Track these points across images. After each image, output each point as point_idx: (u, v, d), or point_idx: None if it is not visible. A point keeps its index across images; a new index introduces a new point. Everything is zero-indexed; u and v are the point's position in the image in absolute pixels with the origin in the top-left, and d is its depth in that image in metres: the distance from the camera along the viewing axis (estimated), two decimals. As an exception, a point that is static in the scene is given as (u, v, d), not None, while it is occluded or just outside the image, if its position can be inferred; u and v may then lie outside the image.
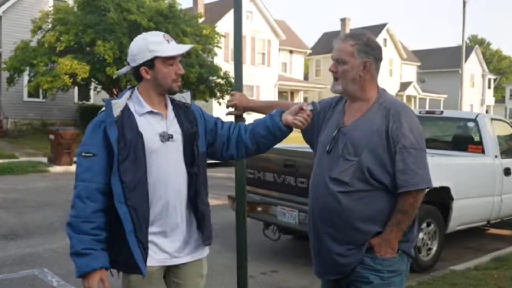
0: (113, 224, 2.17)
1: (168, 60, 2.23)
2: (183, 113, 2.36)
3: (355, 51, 2.32)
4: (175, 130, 2.29)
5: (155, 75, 2.24)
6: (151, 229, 2.23)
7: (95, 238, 2.13)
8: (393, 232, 2.26)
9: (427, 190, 2.30)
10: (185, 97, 2.40)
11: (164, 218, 2.26)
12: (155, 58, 2.21)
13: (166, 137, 2.25)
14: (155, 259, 2.26)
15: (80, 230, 2.11)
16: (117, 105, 2.20)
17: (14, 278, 4.97)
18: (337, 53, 2.37)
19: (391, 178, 2.25)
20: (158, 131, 2.24)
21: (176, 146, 2.28)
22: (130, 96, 2.28)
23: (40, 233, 6.76)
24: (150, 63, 2.22)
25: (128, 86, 13.43)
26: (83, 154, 2.18)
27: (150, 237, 2.23)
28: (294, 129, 2.40)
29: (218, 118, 2.52)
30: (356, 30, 2.50)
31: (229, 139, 2.46)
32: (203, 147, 2.40)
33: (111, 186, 2.14)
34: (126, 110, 2.21)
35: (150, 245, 2.23)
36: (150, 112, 2.25)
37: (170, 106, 2.35)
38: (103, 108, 2.23)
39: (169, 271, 2.38)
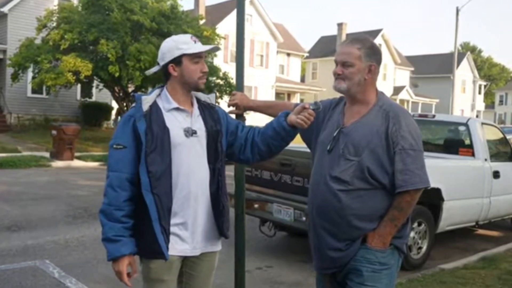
0: (139, 212, 2.30)
1: (194, 58, 2.38)
2: (208, 112, 2.49)
3: (362, 55, 2.38)
4: (199, 127, 2.42)
5: (181, 72, 2.38)
6: (173, 220, 2.33)
7: (125, 226, 2.27)
8: (387, 227, 2.33)
9: (423, 189, 2.35)
10: (210, 98, 2.55)
11: (186, 209, 2.36)
12: (183, 55, 2.36)
13: (190, 132, 2.37)
14: (176, 249, 2.35)
15: (112, 217, 2.26)
16: (146, 101, 2.34)
17: (16, 268, 5.01)
18: (343, 56, 2.40)
19: (390, 178, 2.31)
20: (183, 126, 2.37)
21: (200, 142, 2.40)
22: (159, 94, 2.42)
23: (42, 226, 6.83)
24: (178, 60, 2.37)
25: (130, 86, 13.42)
26: (114, 146, 2.32)
27: (173, 228, 2.33)
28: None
29: (240, 122, 2.65)
30: (359, 35, 2.57)
31: (246, 142, 2.56)
32: (224, 146, 2.53)
33: (139, 175, 2.27)
34: (154, 106, 2.35)
35: (172, 236, 2.33)
36: (177, 109, 2.39)
37: (195, 105, 2.47)
38: (134, 104, 2.38)
39: (184, 262, 2.46)
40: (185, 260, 2.46)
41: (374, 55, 2.42)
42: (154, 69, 2.52)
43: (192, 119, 2.42)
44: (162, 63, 2.42)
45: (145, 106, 2.33)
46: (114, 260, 2.28)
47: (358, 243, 2.36)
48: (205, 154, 2.43)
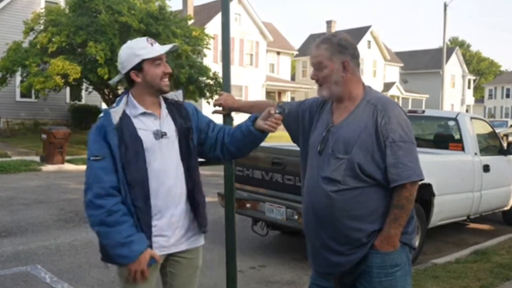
0: None
1: (155, 61, 2.37)
2: (176, 110, 2.49)
3: (331, 54, 2.33)
4: (169, 127, 2.42)
5: (144, 77, 2.37)
6: (153, 222, 2.35)
7: (129, 224, 2.25)
8: (392, 229, 2.26)
9: (419, 182, 2.29)
10: (177, 95, 2.54)
11: (165, 210, 2.38)
12: (143, 61, 2.35)
13: (159, 135, 2.37)
14: (156, 249, 2.36)
15: (112, 222, 2.23)
16: (116, 113, 2.33)
17: (8, 274, 4.98)
18: (314, 59, 2.37)
19: (383, 173, 2.25)
20: (152, 130, 2.37)
21: (171, 142, 2.41)
22: (127, 102, 2.40)
23: (33, 230, 6.78)
24: (138, 67, 2.36)
25: (120, 88, 13.28)
26: (92, 158, 2.30)
27: (153, 229, 2.35)
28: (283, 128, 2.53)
29: (211, 120, 2.65)
30: (327, 34, 2.51)
31: (216, 142, 2.58)
32: (195, 142, 2.53)
33: (119, 186, 2.28)
34: (124, 115, 2.34)
35: (152, 236, 2.34)
36: (144, 113, 2.39)
37: (163, 105, 2.48)
38: (101, 114, 2.36)
39: (166, 262, 2.48)
40: (168, 259, 2.47)
41: (346, 50, 2.35)
42: (116, 78, 2.53)
43: (161, 121, 2.42)
44: (123, 71, 2.41)
45: (116, 119, 2.31)
46: (134, 261, 2.25)
47: (365, 249, 2.30)
48: (178, 153, 2.43)
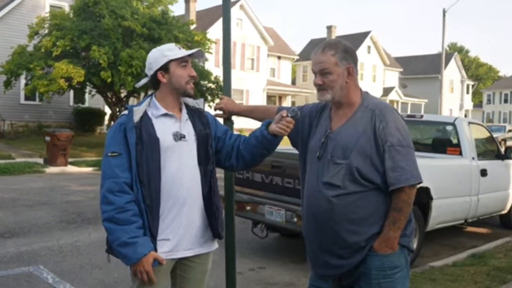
0: None
1: (181, 63, 2.47)
2: (197, 117, 2.57)
3: (338, 60, 2.35)
4: (188, 131, 2.49)
5: (170, 78, 2.46)
6: (163, 223, 2.39)
7: (137, 225, 2.29)
8: (391, 231, 2.28)
9: (418, 185, 2.31)
10: (198, 103, 2.62)
11: (176, 212, 2.41)
12: (170, 61, 2.45)
13: (178, 136, 2.44)
14: (165, 252, 2.39)
15: (121, 220, 2.27)
16: (137, 112, 2.41)
17: (11, 275, 5.02)
18: (320, 65, 2.38)
19: (382, 177, 2.27)
20: (172, 131, 2.44)
21: (189, 146, 2.47)
22: (149, 103, 2.49)
23: (36, 232, 6.84)
24: (165, 67, 2.45)
25: (123, 91, 13.39)
26: (109, 154, 2.35)
27: (162, 231, 2.38)
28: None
29: (228, 129, 2.72)
30: (330, 40, 2.55)
31: (232, 150, 2.63)
32: (213, 149, 2.59)
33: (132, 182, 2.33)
34: (145, 115, 2.42)
35: (162, 240, 2.38)
36: (165, 115, 2.46)
37: (184, 110, 2.55)
38: (124, 112, 2.44)
39: (177, 264, 2.51)
40: (178, 262, 2.50)
41: (350, 56, 2.40)
42: (143, 80, 2.60)
43: (181, 123, 2.49)
44: (150, 72, 2.49)
45: (136, 117, 2.39)
46: (136, 263, 2.29)
47: (364, 252, 2.33)
48: (195, 157, 2.49)
